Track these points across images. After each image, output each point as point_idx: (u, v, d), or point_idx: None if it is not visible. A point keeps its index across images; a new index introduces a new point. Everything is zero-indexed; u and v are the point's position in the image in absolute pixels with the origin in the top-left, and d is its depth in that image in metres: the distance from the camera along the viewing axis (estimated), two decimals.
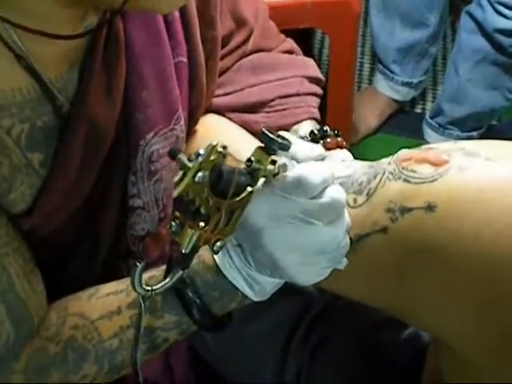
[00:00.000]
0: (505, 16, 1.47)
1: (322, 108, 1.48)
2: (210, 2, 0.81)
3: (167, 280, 0.62)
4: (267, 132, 0.57)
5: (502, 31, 1.49)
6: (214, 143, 0.55)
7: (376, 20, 1.84)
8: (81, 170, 0.70)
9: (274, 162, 0.58)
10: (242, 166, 0.57)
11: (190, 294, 0.64)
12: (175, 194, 0.55)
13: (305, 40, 1.77)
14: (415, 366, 0.76)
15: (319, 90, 0.96)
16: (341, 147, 0.87)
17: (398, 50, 1.82)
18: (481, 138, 1.81)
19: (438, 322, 0.61)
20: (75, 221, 0.75)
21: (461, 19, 1.63)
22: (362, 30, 2.19)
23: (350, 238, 0.62)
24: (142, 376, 0.66)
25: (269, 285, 0.63)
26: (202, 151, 0.54)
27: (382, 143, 1.92)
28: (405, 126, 1.94)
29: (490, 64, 1.59)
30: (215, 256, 0.63)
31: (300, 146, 0.62)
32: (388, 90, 1.90)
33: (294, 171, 0.58)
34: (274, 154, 0.58)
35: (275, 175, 0.58)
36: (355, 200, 0.63)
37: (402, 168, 0.61)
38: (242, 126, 0.90)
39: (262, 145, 0.58)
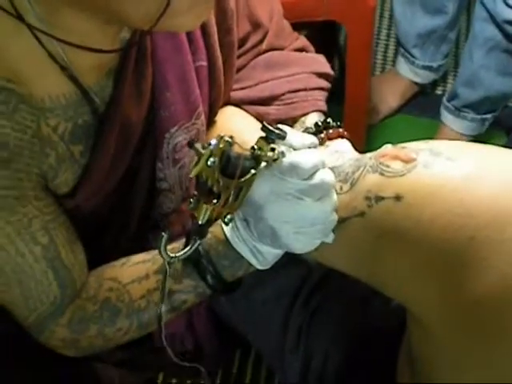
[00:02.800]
0: None
1: (341, 94, 1.59)
2: (227, 12, 0.91)
3: (187, 248, 0.73)
4: (266, 125, 0.69)
5: (510, 22, 1.56)
6: (222, 134, 0.67)
7: (398, 6, 1.91)
8: (114, 158, 0.83)
9: (273, 150, 0.68)
10: (248, 152, 0.69)
11: (205, 263, 0.76)
12: (191, 175, 0.66)
13: (330, 30, 1.84)
14: (402, 332, 0.86)
15: (327, 85, 1.05)
16: (342, 137, 0.98)
17: (418, 35, 1.89)
18: (496, 119, 1.88)
19: (405, 291, 0.71)
20: (110, 200, 0.88)
21: (475, 8, 1.70)
22: (389, 13, 2.27)
23: None
24: (165, 332, 0.78)
25: (270, 255, 0.74)
26: (213, 141, 0.66)
27: (402, 123, 1.99)
28: (425, 107, 2.01)
29: (502, 51, 1.64)
30: (225, 230, 0.75)
31: (296, 136, 0.72)
32: (409, 72, 1.97)
33: (289, 157, 0.69)
34: (274, 143, 0.69)
35: (275, 160, 0.69)
36: (341, 187, 0.74)
37: (380, 163, 0.72)
38: (255, 116, 1.01)
39: (264, 135, 0.69)
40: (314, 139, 0.74)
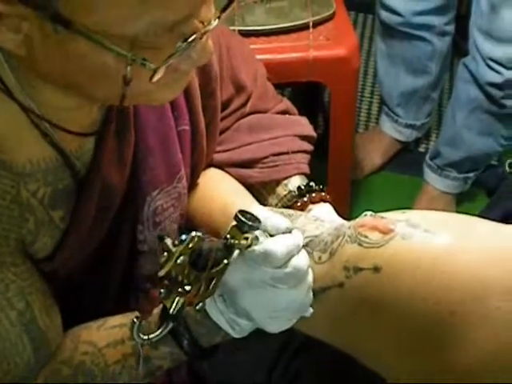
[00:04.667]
0: (495, 71, 1.56)
1: (326, 150, 1.60)
2: (210, 75, 0.92)
3: (160, 330, 0.75)
4: (240, 216, 0.68)
5: (493, 84, 1.58)
6: (193, 234, 0.67)
7: (381, 66, 1.94)
8: (95, 222, 0.82)
9: (246, 238, 0.68)
10: (220, 242, 0.69)
11: (181, 330, 0.76)
12: (160, 273, 0.67)
13: (315, 87, 1.86)
14: None
15: (309, 147, 1.05)
16: (324, 201, 0.99)
17: (401, 95, 1.92)
18: (479, 178, 1.90)
19: (382, 360, 0.72)
20: (90, 263, 0.87)
21: (458, 69, 1.73)
22: (373, 70, 2.30)
23: (314, 290, 0.73)
24: None
25: (247, 326, 0.74)
26: (183, 237, 0.66)
27: (386, 180, 2.02)
28: (408, 164, 2.04)
29: (484, 112, 1.67)
30: None
31: (271, 221, 0.71)
32: (392, 130, 2.00)
33: (262, 246, 0.69)
34: (247, 232, 0.69)
35: (249, 246, 0.69)
36: (320, 257, 0.74)
37: (358, 233, 0.72)
38: (238, 179, 1.00)
39: (236, 223, 0.69)
40: (288, 223, 0.73)
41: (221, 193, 0.97)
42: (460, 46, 2.04)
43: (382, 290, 0.68)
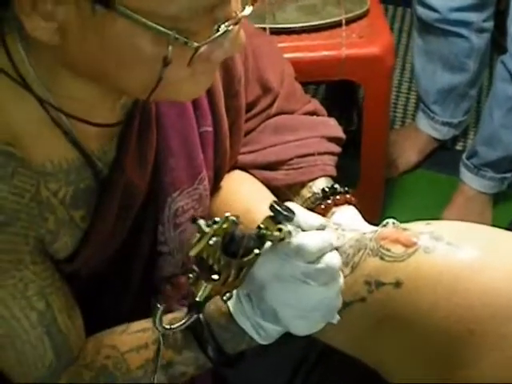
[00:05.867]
0: None
1: (359, 147, 1.58)
2: (234, 77, 0.91)
3: (183, 321, 0.73)
4: (275, 205, 0.67)
5: None
6: (228, 214, 0.66)
7: (418, 63, 1.91)
8: (116, 222, 0.82)
9: (280, 230, 0.67)
10: (253, 231, 0.68)
11: (206, 335, 0.75)
12: (191, 253, 0.66)
13: (350, 85, 1.84)
14: None
15: (337, 149, 1.04)
16: (349, 203, 0.97)
17: (438, 92, 1.89)
18: None
19: (400, 372, 0.71)
20: (110, 264, 0.87)
21: (496, 67, 1.70)
22: (410, 65, 2.27)
23: None
24: None
25: (273, 331, 0.73)
26: (217, 219, 0.65)
27: (421, 179, 1.99)
28: (445, 163, 2.01)
29: None
30: (228, 303, 0.73)
31: (305, 217, 0.71)
32: (428, 128, 1.96)
33: (295, 239, 0.68)
34: (280, 223, 0.68)
35: (281, 240, 0.67)
36: (342, 271, 0.72)
37: (380, 246, 0.71)
38: (262, 181, 0.99)
39: (272, 214, 0.68)
40: (322, 220, 0.72)
41: (243, 197, 0.96)
42: (499, 42, 2.00)
43: (403, 305, 0.67)
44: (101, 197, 0.80)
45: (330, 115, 1.06)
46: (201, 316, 0.74)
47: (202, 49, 0.62)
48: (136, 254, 0.90)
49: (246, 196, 0.96)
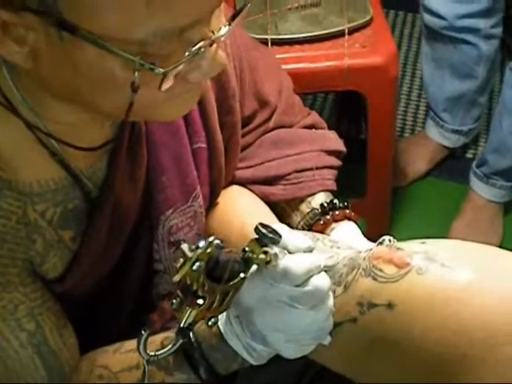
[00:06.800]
0: None
1: (364, 161, 1.57)
2: (228, 91, 0.89)
3: (169, 347, 0.72)
4: (260, 228, 0.66)
5: None
6: (211, 239, 0.64)
7: (426, 70, 1.89)
8: (107, 242, 0.81)
9: (265, 252, 0.66)
10: (238, 255, 0.66)
11: (197, 356, 0.73)
12: (175, 278, 0.64)
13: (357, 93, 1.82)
14: None
15: (337, 162, 1.02)
16: (349, 219, 0.96)
17: (447, 100, 1.86)
18: None
19: None
20: (103, 283, 0.86)
21: (505, 74, 1.67)
22: (421, 72, 2.24)
23: None
24: None
25: (264, 352, 0.71)
26: (201, 243, 0.64)
27: (431, 188, 1.96)
28: (455, 171, 1.98)
29: None
30: (219, 324, 0.72)
31: (292, 238, 0.69)
32: (438, 136, 1.94)
33: (281, 262, 0.66)
34: (266, 246, 0.66)
35: (267, 262, 0.66)
36: (335, 291, 0.71)
37: (373, 266, 0.69)
38: (260, 197, 0.98)
39: (257, 236, 0.66)
40: (310, 243, 0.70)
41: (239, 213, 0.95)
42: (510, 48, 1.97)
43: (395, 327, 0.66)
44: (91, 216, 0.79)
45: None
46: (191, 336, 0.73)
47: (179, 69, 0.61)
48: (131, 272, 0.89)
49: (242, 212, 0.95)
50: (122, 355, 0.80)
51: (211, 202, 0.94)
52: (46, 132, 0.72)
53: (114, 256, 0.84)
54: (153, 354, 0.72)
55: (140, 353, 0.71)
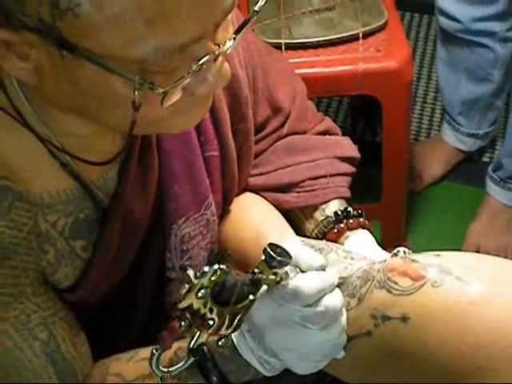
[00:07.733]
0: None
1: (380, 165, 1.55)
2: (240, 98, 0.89)
3: (181, 364, 0.71)
4: (269, 250, 0.64)
5: None
6: (216, 267, 0.63)
7: (442, 73, 1.87)
8: (119, 251, 0.81)
9: (275, 274, 0.65)
10: (247, 277, 0.65)
11: (210, 367, 0.73)
12: (180, 306, 0.63)
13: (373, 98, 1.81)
14: None
15: (351, 169, 1.01)
16: (363, 227, 0.95)
17: (463, 103, 1.85)
18: None
19: None
20: (116, 292, 0.85)
21: None
22: (437, 75, 2.22)
23: None
24: None
25: (277, 364, 0.71)
26: (206, 269, 0.63)
27: (447, 192, 1.95)
28: (471, 175, 1.96)
29: None
30: (232, 335, 0.71)
31: (304, 256, 0.68)
32: (454, 140, 1.92)
33: (292, 282, 0.66)
34: (275, 268, 0.65)
35: (278, 282, 0.65)
36: (348, 303, 0.71)
37: (387, 278, 0.69)
38: (274, 204, 0.97)
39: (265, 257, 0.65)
40: (323, 261, 0.69)
41: (253, 221, 0.94)
42: None
43: (409, 340, 0.65)
44: (102, 226, 0.79)
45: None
46: (204, 348, 0.72)
47: (182, 85, 0.60)
48: (143, 281, 0.89)
49: (256, 221, 0.94)
50: (135, 363, 0.80)
51: (224, 210, 0.94)
52: (57, 146, 0.72)
53: (125, 264, 0.84)
54: (166, 370, 0.71)
55: (153, 371, 0.71)
